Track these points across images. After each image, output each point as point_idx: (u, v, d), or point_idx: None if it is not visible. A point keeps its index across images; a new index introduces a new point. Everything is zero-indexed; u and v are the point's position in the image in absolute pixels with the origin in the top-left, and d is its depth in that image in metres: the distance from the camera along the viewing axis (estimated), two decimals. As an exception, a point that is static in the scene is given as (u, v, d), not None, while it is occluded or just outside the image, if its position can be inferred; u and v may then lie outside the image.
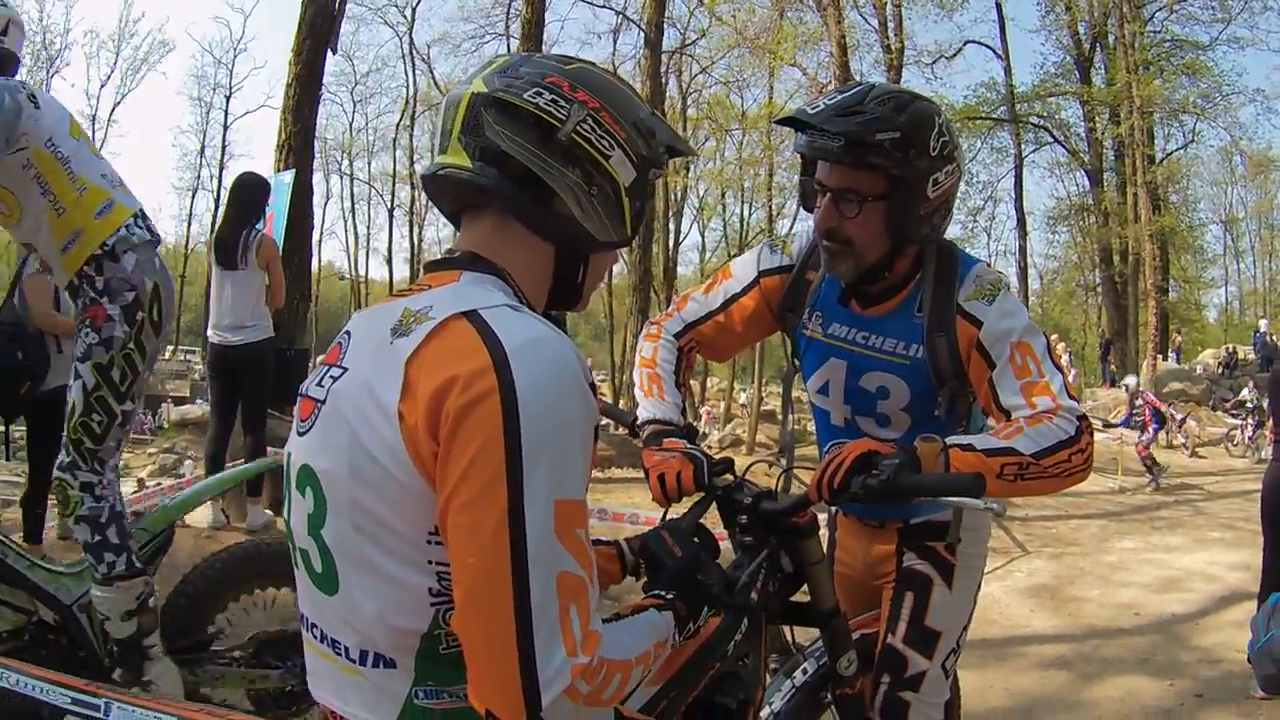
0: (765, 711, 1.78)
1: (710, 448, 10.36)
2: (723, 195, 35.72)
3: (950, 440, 1.53)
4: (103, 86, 38.81)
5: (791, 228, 36.81)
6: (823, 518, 1.79)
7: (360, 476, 0.98)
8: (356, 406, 1.00)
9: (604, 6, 24.61)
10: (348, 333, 1.12)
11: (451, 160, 1.11)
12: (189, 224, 40.55)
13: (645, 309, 16.56)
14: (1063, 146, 23.97)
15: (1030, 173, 27.14)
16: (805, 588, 1.68)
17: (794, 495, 1.62)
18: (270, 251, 4.97)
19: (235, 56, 38.05)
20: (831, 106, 1.59)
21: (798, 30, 20.11)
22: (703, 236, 36.03)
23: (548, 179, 1.09)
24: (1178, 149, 25.47)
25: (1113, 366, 22.71)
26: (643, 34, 16.83)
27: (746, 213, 36.67)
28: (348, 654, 1.04)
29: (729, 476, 1.69)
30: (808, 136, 1.63)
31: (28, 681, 1.16)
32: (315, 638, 1.10)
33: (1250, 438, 14.08)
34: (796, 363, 1.93)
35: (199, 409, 16.57)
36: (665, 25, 24.99)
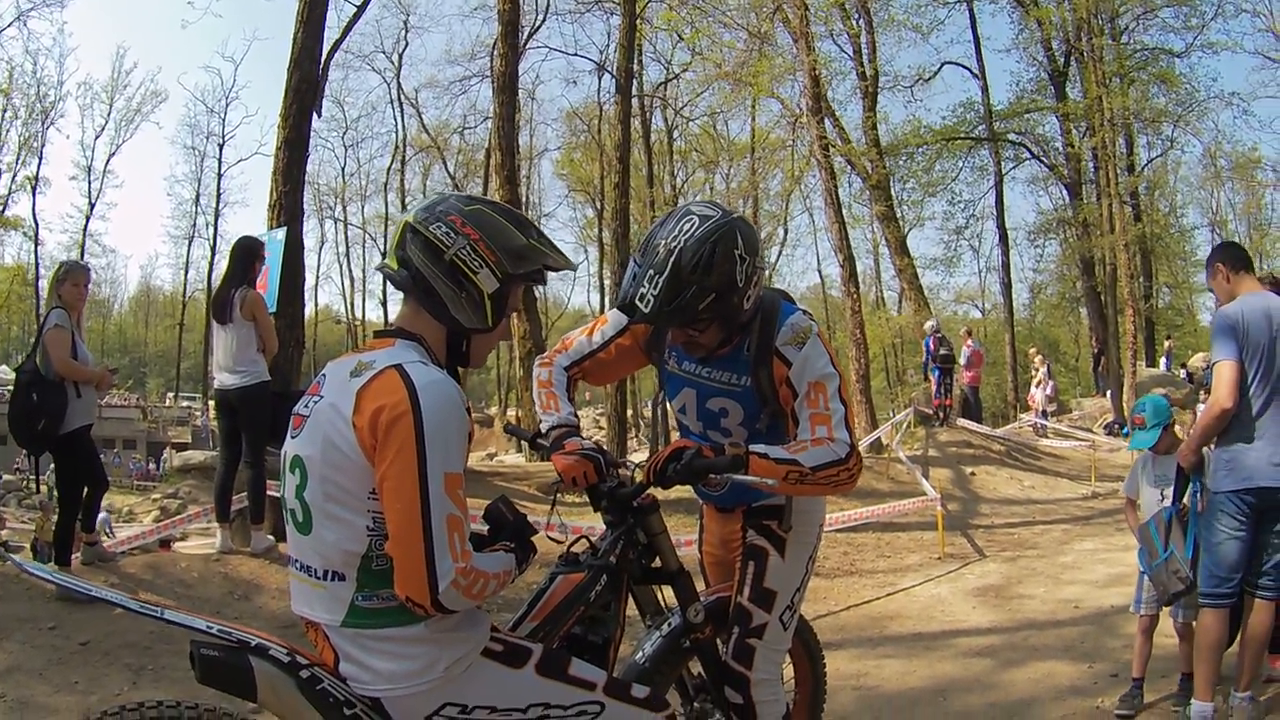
0: (638, 654, 2.33)
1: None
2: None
3: (753, 448, 2.06)
4: (97, 138, 39.89)
5: (778, 256, 37.51)
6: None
7: (329, 459, 1.64)
8: (328, 418, 1.66)
9: (576, 55, 25.20)
10: (324, 375, 1.77)
11: (389, 264, 1.82)
12: (185, 272, 40.86)
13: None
14: (1041, 161, 24.17)
15: (1011, 188, 27.21)
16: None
17: (637, 483, 2.24)
18: (253, 304, 5.57)
19: (227, 105, 38.72)
20: (660, 299, 2.04)
21: (773, 63, 20.54)
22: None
23: (434, 284, 1.76)
24: (1156, 156, 25.82)
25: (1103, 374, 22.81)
26: (614, 80, 17.28)
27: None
28: (315, 574, 1.68)
29: (623, 470, 2.33)
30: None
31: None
32: (296, 568, 1.73)
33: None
34: (662, 393, 2.53)
35: (201, 454, 17.06)
36: (648, 61, 25.59)
